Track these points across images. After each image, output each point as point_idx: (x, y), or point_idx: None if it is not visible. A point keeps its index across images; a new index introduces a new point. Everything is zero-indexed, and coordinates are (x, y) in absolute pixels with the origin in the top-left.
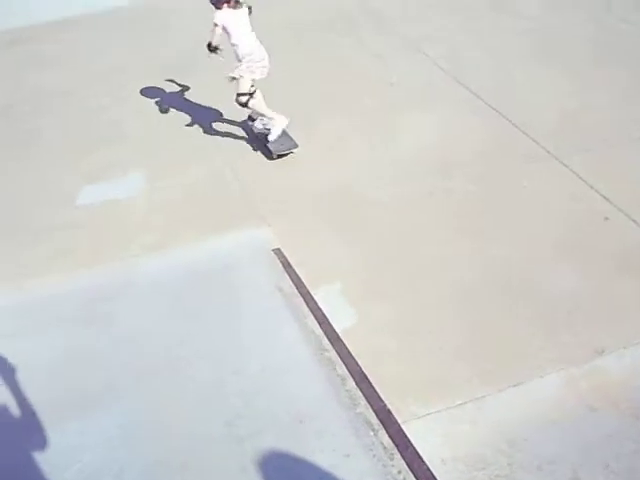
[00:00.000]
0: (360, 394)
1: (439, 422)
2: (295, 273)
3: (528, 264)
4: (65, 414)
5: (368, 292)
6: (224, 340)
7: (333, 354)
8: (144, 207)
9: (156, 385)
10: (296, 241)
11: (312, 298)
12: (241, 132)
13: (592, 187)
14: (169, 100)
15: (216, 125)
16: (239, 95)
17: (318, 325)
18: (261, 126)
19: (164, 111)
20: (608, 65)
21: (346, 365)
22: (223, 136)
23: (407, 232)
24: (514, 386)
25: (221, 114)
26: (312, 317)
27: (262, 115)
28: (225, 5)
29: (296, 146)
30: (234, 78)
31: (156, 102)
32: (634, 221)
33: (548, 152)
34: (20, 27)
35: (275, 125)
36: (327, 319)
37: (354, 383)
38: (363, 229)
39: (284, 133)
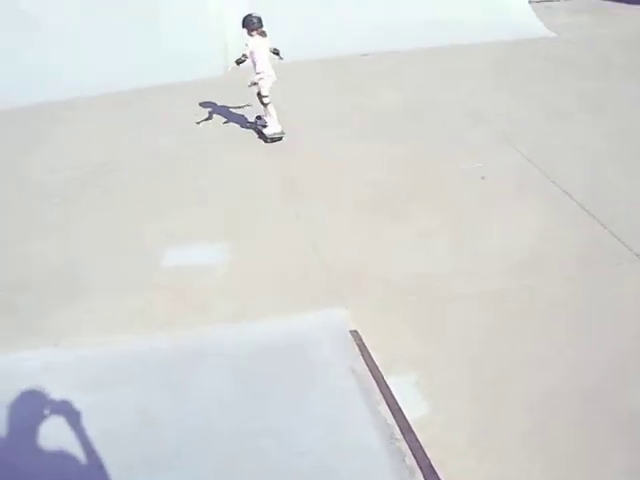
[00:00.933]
0: None
1: None
2: (370, 357)
3: (612, 371)
4: (132, 473)
5: (443, 385)
6: (293, 418)
7: (403, 445)
8: (225, 275)
9: (223, 457)
10: (374, 324)
11: (386, 384)
12: (325, 208)
13: None
14: (260, 169)
15: (302, 198)
16: (263, 97)
17: (390, 413)
18: (261, 122)
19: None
20: None
21: (416, 458)
22: (307, 210)
23: (488, 329)
24: None
25: (308, 187)
26: (384, 404)
27: (270, 116)
28: (255, 32)
29: (284, 133)
30: (254, 83)
31: (248, 170)
32: None
33: (636, 254)
34: (125, 90)
35: (270, 126)
36: (400, 408)
37: (422, 477)
38: (443, 320)
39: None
